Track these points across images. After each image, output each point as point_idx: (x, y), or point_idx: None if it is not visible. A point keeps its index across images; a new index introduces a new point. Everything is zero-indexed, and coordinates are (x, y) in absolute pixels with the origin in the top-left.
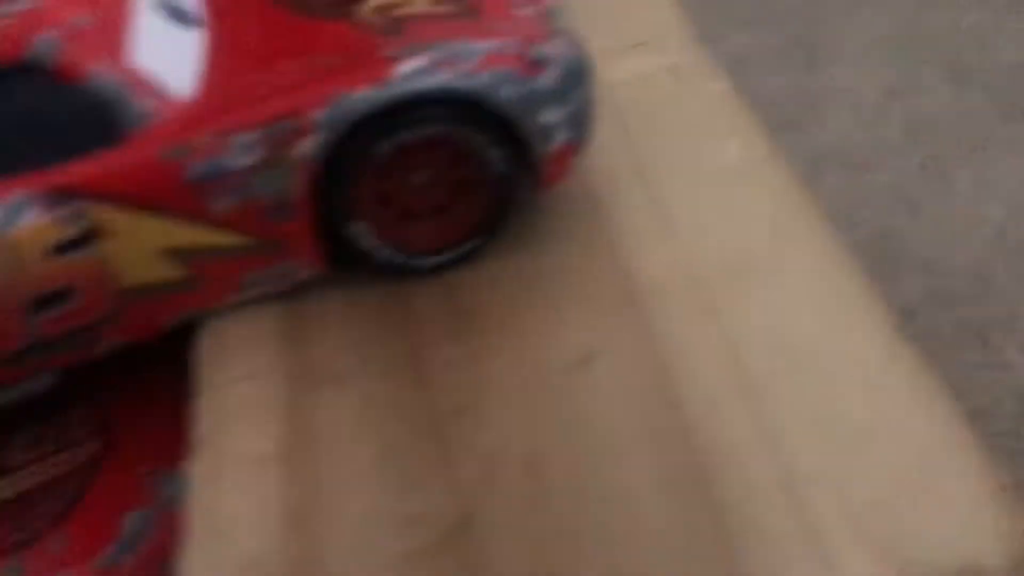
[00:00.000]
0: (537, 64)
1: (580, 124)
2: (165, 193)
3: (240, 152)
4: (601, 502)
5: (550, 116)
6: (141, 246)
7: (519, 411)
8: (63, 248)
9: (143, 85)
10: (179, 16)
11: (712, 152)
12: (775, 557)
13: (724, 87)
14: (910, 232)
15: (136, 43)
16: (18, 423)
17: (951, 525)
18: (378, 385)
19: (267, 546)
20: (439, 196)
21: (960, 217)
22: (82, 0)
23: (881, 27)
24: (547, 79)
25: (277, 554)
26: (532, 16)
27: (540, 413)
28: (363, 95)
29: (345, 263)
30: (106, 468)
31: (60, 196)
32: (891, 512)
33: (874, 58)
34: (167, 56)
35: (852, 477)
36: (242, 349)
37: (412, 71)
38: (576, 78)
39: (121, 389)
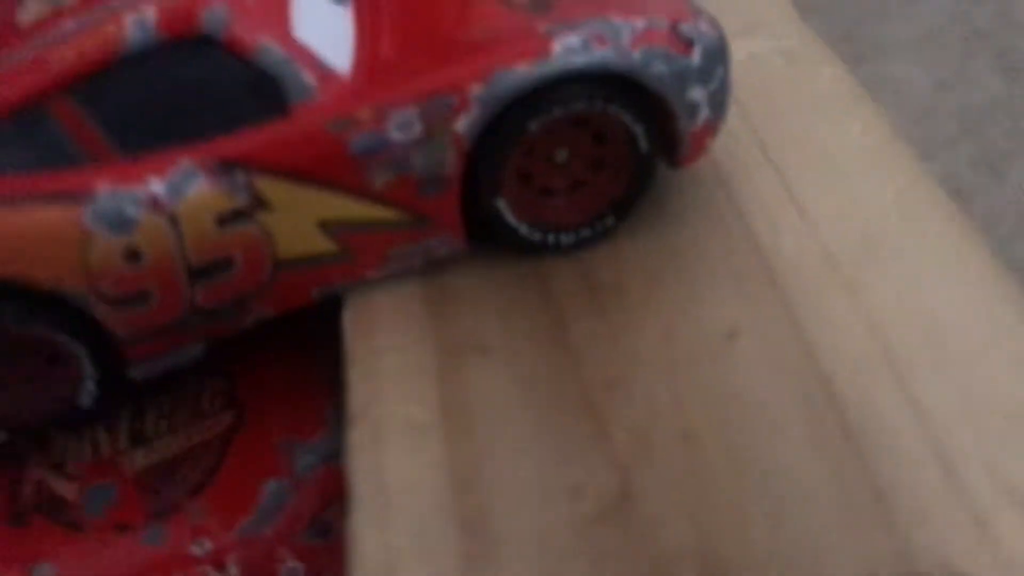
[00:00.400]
0: (686, 43)
1: (720, 103)
2: (328, 166)
3: (401, 126)
4: (761, 473)
5: (696, 94)
6: (299, 219)
7: (670, 385)
8: (226, 219)
9: (307, 59)
10: None
11: (834, 134)
12: (933, 525)
13: (837, 71)
14: None
15: (297, 18)
16: (150, 396)
17: None
18: (526, 357)
19: (436, 509)
20: (579, 173)
21: (1012, 209)
22: None
23: (931, 20)
24: (694, 58)
25: (446, 517)
26: (672, 1)
27: (692, 387)
28: (521, 71)
29: (482, 241)
30: (240, 440)
31: (226, 167)
32: None
33: (924, 51)
34: (326, 31)
35: (1005, 453)
36: (389, 321)
37: (569, 48)
38: (718, 57)
39: (248, 364)
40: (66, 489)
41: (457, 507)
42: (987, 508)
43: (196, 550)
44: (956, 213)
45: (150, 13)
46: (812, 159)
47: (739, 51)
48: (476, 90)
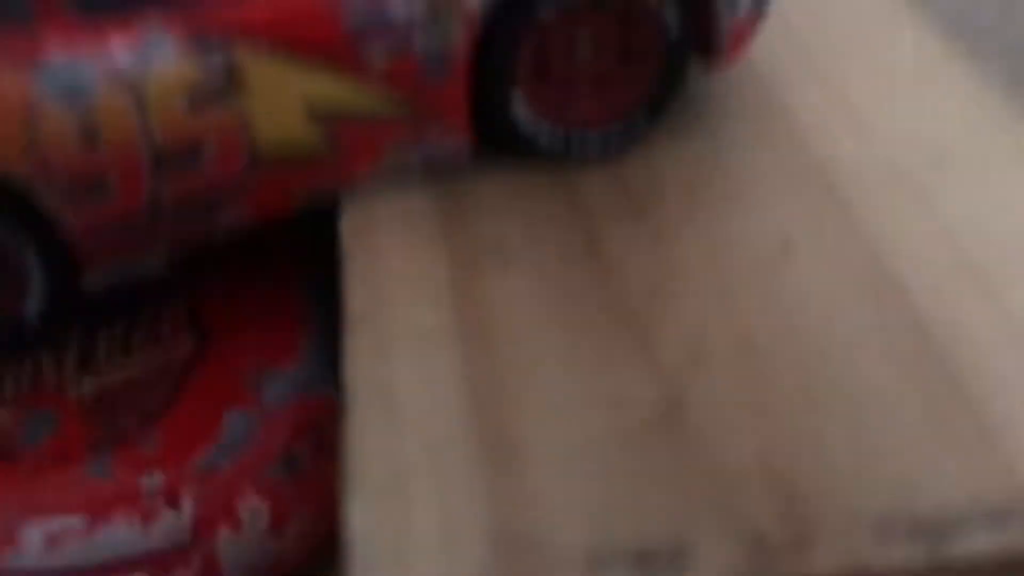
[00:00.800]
0: None
1: None
2: (320, 39)
3: (404, 1)
4: (834, 385)
5: None
6: (282, 101)
7: (720, 293)
8: (198, 98)
9: None
10: None
11: (885, 47)
12: None
13: None
14: None
15: None
16: (105, 316)
17: None
18: (554, 267)
19: (452, 422)
20: (604, 65)
21: None
22: None
23: None
24: None
25: (464, 430)
26: None
27: (745, 295)
28: None
29: (497, 146)
30: (201, 367)
31: (202, 37)
32: None
33: None
34: None
35: None
36: (395, 225)
37: None
38: None
39: (214, 286)
40: (0, 416)
41: (477, 420)
42: None
43: (146, 483)
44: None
45: None
46: (865, 71)
47: None
48: None
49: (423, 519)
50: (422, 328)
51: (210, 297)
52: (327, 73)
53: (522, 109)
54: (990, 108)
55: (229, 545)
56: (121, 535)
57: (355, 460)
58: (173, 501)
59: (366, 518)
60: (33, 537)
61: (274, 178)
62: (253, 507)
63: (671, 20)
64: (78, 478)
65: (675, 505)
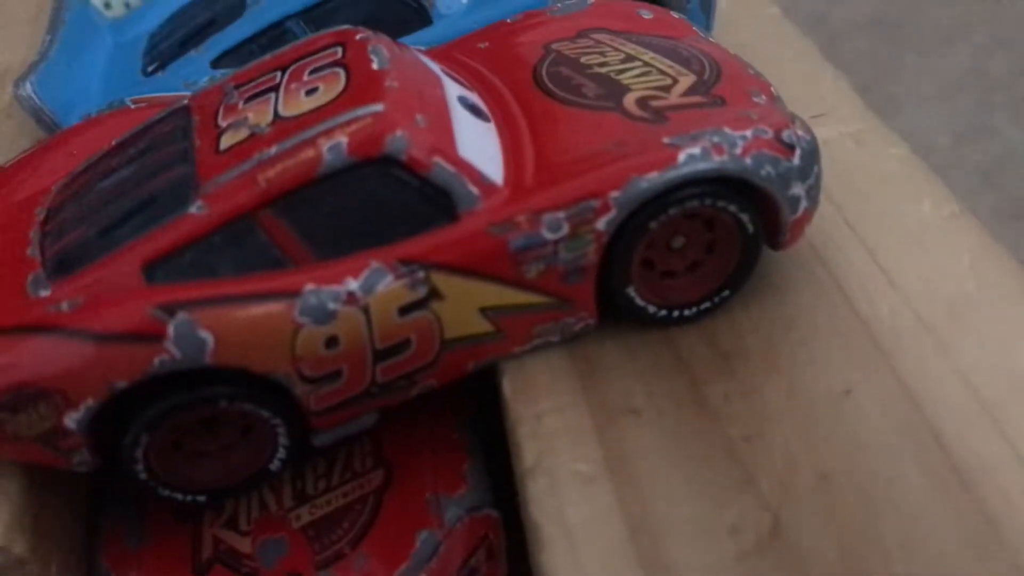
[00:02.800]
0: (788, 147)
1: (816, 195)
2: (491, 261)
3: (551, 227)
4: (891, 509)
5: (797, 190)
6: (464, 306)
7: (801, 436)
8: (406, 309)
9: (471, 173)
10: (476, 112)
11: (908, 209)
12: None
13: (903, 151)
14: None
15: (459, 138)
16: (308, 458)
17: None
18: (670, 416)
19: (616, 547)
20: (694, 256)
21: None
22: (415, 103)
23: (947, 75)
24: (795, 160)
25: (627, 553)
26: (767, 104)
27: (820, 437)
28: (652, 177)
29: (614, 316)
30: (391, 495)
31: (407, 266)
32: None
33: (945, 102)
34: (481, 149)
35: None
36: (546, 387)
37: (692, 157)
38: (813, 156)
39: (391, 427)
40: (241, 543)
41: (634, 545)
42: None
43: None
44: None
45: (343, 139)
46: (892, 233)
47: None
48: (614, 195)
49: None
50: (581, 473)
51: (390, 436)
52: (496, 283)
53: (635, 294)
54: (996, 261)
55: None
56: None
57: None
58: None
59: None
60: None
61: (456, 357)
62: None
63: (747, 220)
64: None
65: None
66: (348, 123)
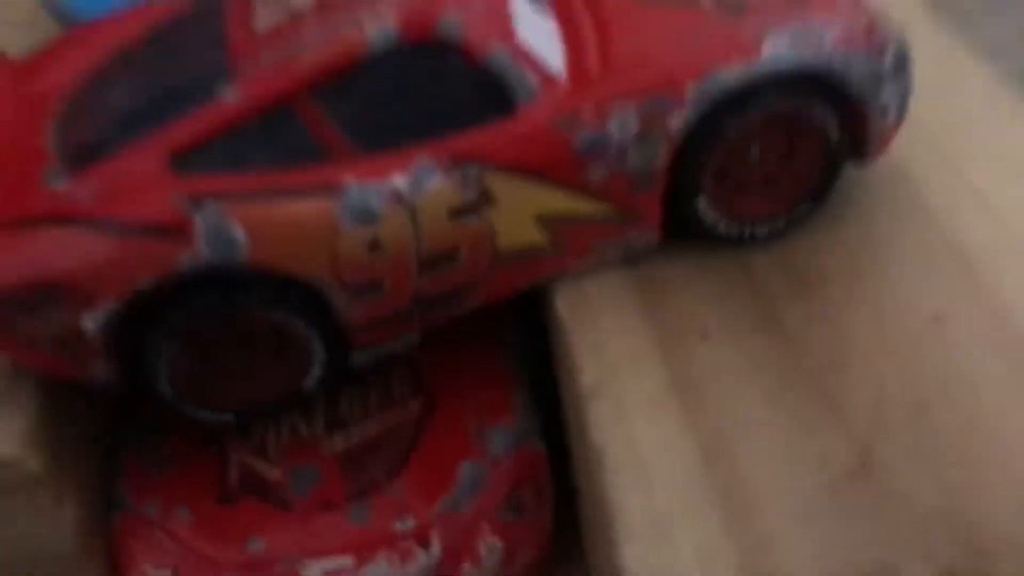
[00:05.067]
0: (881, 47)
1: (905, 105)
2: (552, 161)
3: (620, 123)
4: (998, 441)
5: (887, 96)
6: (519, 212)
7: (889, 363)
8: (457, 213)
9: (530, 62)
10: (535, 1)
11: (1002, 132)
12: None
13: (989, 71)
14: None
15: (518, 24)
16: (340, 383)
17: None
18: (745, 341)
19: (691, 475)
20: (772, 167)
21: None
22: None
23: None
24: (887, 61)
25: (703, 482)
26: (851, 3)
27: (914, 365)
28: (735, 70)
29: (679, 234)
30: (432, 424)
31: (460, 163)
32: None
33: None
34: (540, 37)
35: None
36: (605, 307)
37: (777, 49)
38: (904, 61)
39: (430, 351)
40: (270, 471)
41: (710, 474)
42: None
43: (400, 527)
44: None
45: (390, 19)
46: (983, 156)
47: None
48: (691, 89)
49: (682, 561)
50: (647, 396)
51: (429, 361)
52: (555, 187)
53: (705, 207)
54: None
55: None
56: (383, 572)
57: (618, 512)
58: (424, 541)
59: (636, 562)
60: (314, 574)
61: (507, 272)
62: (490, 544)
63: (831, 127)
64: (343, 523)
65: (878, 541)
66: (397, 2)
